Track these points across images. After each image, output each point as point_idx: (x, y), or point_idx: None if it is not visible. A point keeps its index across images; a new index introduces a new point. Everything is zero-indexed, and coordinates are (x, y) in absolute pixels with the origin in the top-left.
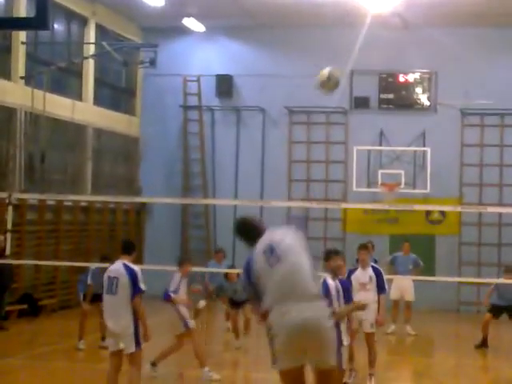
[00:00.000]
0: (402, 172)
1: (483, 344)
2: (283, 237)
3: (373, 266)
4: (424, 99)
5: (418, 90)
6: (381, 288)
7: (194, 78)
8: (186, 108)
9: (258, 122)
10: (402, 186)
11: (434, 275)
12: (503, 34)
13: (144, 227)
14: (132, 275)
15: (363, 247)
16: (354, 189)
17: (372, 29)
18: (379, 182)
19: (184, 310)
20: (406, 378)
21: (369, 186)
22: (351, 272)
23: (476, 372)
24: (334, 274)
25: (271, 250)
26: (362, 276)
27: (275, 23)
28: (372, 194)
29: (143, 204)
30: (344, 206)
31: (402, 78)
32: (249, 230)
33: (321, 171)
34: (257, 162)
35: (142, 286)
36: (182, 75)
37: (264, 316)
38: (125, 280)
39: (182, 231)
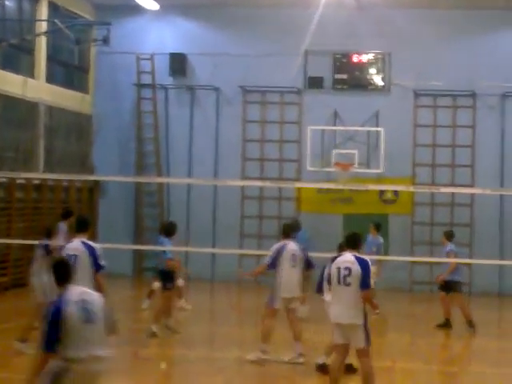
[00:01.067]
0: (356, 152)
1: (446, 324)
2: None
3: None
4: (378, 80)
5: (372, 70)
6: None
7: (148, 56)
8: (140, 86)
9: (212, 101)
10: (356, 165)
11: (387, 255)
12: (457, 16)
13: (97, 205)
14: (92, 252)
15: None
16: (308, 168)
17: (326, 9)
18: (333, 162)
19: None
20: None
21: (323, 165)
22: None
23: (430, 350)
24: None
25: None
26: None
27: (230, 2)
28: (326, 173)
29: (96, 182)
30: (298, 185)
31: (355, 59)
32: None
33: (275, 150)
34: (211, 140)
35: (103, 263)
36: (135, 53)
37: None
38: (85, 257)
39: (136, 209)
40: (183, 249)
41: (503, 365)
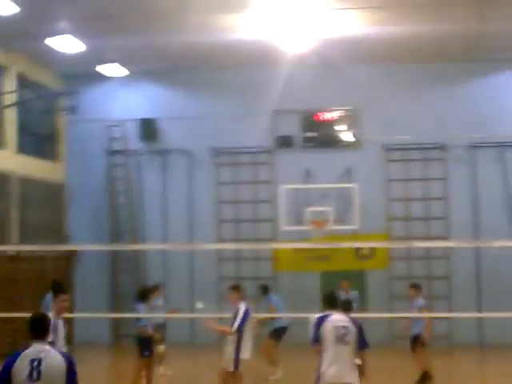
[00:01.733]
0: (330, 209)
1: (425, 378)
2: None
3: None
4: (347, 136)
5: (341, 127)
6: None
7: (118, 123)
8: (111, 153)
9: (184, 164)
10: (331, 222)
11: (365, 311)
12: (421, 69)
13: (74, 274)
14: None
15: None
16: (283, 228)
17: (293, 68)
18: (308, 220)
19: None
20: None
21: (297, 224)
22: None
23: None
24: None
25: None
26: None
27: (196, 65)
28: (302, 231)
29: (72, 251)
30: (273, 246)
31: (324, 116)
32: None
33: (249, 211)
34: (184, 203)
35: None
36: (105, 121)
37: None
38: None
39: (113, 276)
40: (160, 315)
41: None
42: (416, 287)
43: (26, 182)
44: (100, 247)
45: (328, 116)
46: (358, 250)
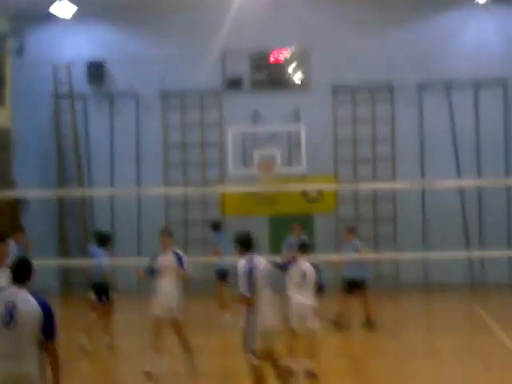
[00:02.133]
0: (278, 151)
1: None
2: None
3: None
4: (296, 78)
5: (290, 68)
6: None
7: (64, 66)
8: (57, 97)
9: (131, 108)
10: (278, 165)
11: (313, 253)
12: (368, 8)
13: (19, 221)
14: None
15: None
16: (231, 171)
17: (242, 8)
18: (255, 163)
19: None
20: None
21: (245, 166)
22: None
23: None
24: None
25: None
26: None
27: (145, 6)
28: (249, 174)
29: (18, 197)
30: (221, 189)
31: (273, 58)
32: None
33: (197, 154)
34: (132, 147)
35: None
36: (51, 63)
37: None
38: None
39: (59, 223)
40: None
41: (433, 359)
42: (351, 230)
43: None
44: (46, 193)
45: (277, 57)
46: (305, 193)
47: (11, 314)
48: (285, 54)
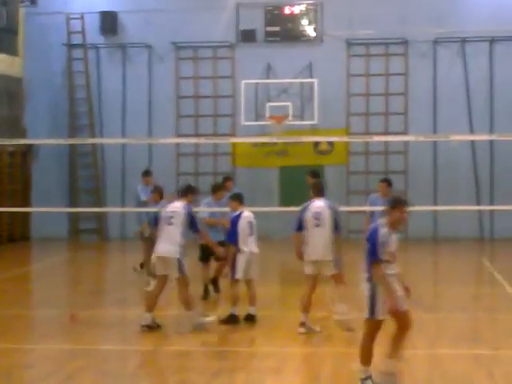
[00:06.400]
0: (290, 104)
1: None
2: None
3: None
4: (310, 31)
5: (304, 21)
6: None
7: (78, 16)
8: (70, 46)
9: (144, 59)
10: (290, 118)
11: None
12: None
13: (31, 169)
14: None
15: None
16: (243, 123)
17: None
18: (267, 115)
19: None
20: None
21: (257, 119)
22: None
23: None
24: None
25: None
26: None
27: None
28: (261, 127)
29: (29, 146)
30: (232, 140)
31: (287, 10)
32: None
33: (209, 106)
34: (144, 99)
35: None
36: (64, 13)
37: None
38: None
39: (71, 171)
40: (120, 209)
41: (439, 310)
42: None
43: None
44: (58, 141)
45: (291, 10)
46: (316, 145)
47: None
48: (299, 7)
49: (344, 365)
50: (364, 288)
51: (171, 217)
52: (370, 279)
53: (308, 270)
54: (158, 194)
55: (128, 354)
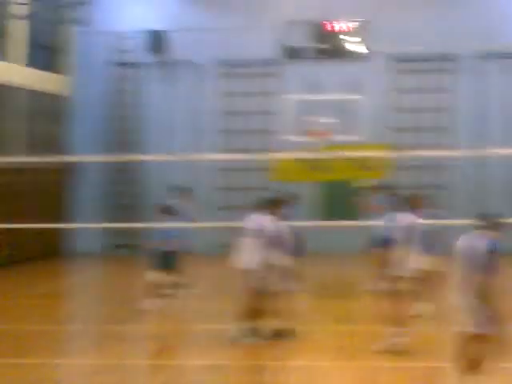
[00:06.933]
0: (335, 120)
1: None
2: None
3: None
4: (356, 47)
5: (351, 38)
6: None
7: (126, 35)
8: (119, 65)
9: (191, 77)
10: (335, 133)
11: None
12: None
13: (72, 186)
14: None
15: None
16: (288, 138)
17: None
18: (312, 131)
19: None
20: None
21: (302, 135)
22: None
23: None
24: None
25: None
26: None
27: None
28: (305, 142)
29: (72, 163)
30: (275, 155)
31: (333, 27)
32: None
33: (254, 122)
34: (190, 116)
35: None
36: (114, 32)
37: None
38: None
39: (115, 188)
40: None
41: None
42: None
43: (34, 95)
44: (104, 158)
45: (337, 27)
46: (359, 160)
47: None
48: (345, 24)
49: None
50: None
51: None
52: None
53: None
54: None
55: (156, 368)
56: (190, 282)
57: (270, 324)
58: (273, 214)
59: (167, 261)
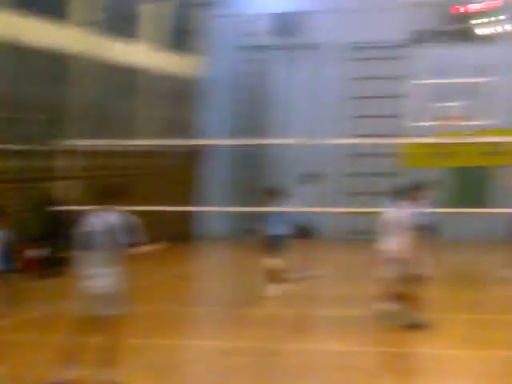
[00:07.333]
0: (463, 104)
1: None
2: None
3: None
4: (486, 30)
5: (480, 20)
6: None
7: (257, 18)
8: (247, 48)
9: (318, 60)
10: (464, 118)
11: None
12: None
13: (200, 169)
14: None
15: None
16: (418, 123)
17: None
18: (440, 116)
19: None
20: None
21: (432, 120)
22: None
23: None
24: None
25: None
26: None
27: None
28: (439, 127)
29: (200, 146)
30: (402, 140)
31: (463, 9)
32: None
33: (377, 106)
34: (313, 99)
35: None
36: (244, 14)
37: None
38: None
39: (244, 173)
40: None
41: None
42: None
43: (162, 77)
44: (233, 141)
45: (467, 9)
46: (492, 145)
47: None
48: (473, 6)
49: None
50: None
51: None
52: None
53: None
54: None
55: (287, 352)
56: (314, 267)
57: (407, 311)
58: (413, 200)
59: (282, 246)
